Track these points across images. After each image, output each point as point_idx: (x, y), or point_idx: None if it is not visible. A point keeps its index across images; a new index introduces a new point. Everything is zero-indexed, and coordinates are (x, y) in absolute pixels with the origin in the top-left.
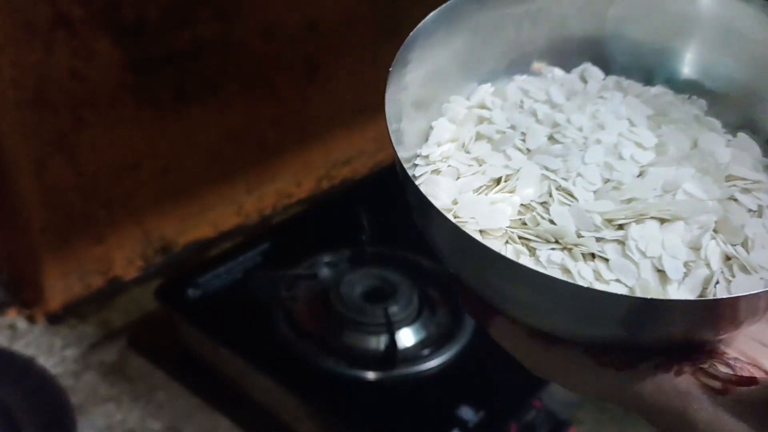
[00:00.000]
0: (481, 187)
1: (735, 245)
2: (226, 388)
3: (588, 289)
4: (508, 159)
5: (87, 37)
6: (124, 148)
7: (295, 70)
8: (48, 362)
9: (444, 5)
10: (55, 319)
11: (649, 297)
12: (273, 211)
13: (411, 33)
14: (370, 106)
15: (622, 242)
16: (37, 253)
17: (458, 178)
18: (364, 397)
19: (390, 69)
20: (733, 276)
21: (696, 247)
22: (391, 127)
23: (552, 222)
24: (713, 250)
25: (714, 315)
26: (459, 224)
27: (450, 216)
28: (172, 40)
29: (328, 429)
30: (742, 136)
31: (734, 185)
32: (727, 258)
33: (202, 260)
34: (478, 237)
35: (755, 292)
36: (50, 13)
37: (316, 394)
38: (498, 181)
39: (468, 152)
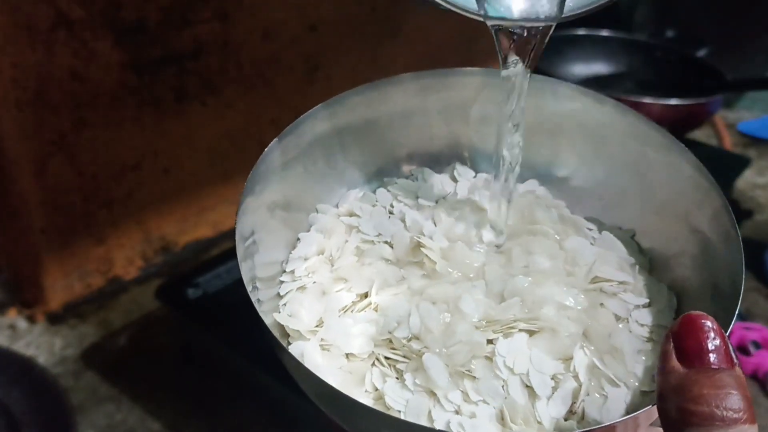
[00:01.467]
0: (347, 305)
1: (603, 355)
2: (226, 388)
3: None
4: (374, 272)
5: (87, 38)
6: (125, 148)
7: (295, 70)
8: (48, 362)
9: (313, 109)
10: (55, 319)
11: None
12: None
13: (274, 139)
14: None
15: (490, 358)
16: (37, 253)
17: (324, 294)
18: None
19: (246, 181)
20: (602, 388)
21: (564, 358)
22: (240, 246)
23: (417, 337)
24: (581, 360)
25: None
26: (324, 347)
27: (316, 340)
28: (172, 41)
29: (327, 429)
30: (606, 234)
31: (601, 289)
32: (596, 367)
33: (202, 260)
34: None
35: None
36: (51, 14)
37: None
38: (365, 295)
39: (334, 266)
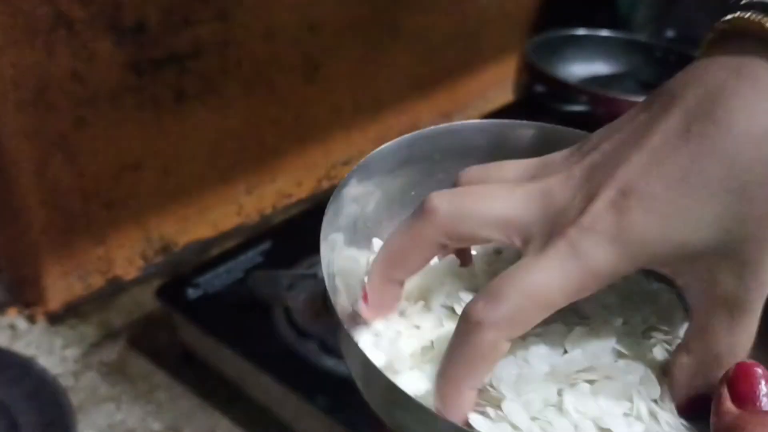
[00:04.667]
0: (416, 350)
1: (655, 399)
2: (226, 388)
3: None
4: (442, 318)
5: (88, 38)
6: (125, 148)
7: (295, 70)
8: (48, 362)
9: (393, 141)
10: (55, 319)
11: None
12: (273, 211)
13: (347, 174)
14: (370, 106)
15: (559, 407)
16: (37, 253)
17: (398, 338)
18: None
19: (325, 212)
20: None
21: (628, 399)
22: (329, 283)
23: (491, 386)
24: (638, 404)
25: None
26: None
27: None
28: (172, 41)
29: (328, 429)
30: (654, 283)
31: (652, 336)
32: (652, 412)
33: (202, 260)
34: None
35: None
36: (51, 14)
37: (316, 394)
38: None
39: (405, 313)
